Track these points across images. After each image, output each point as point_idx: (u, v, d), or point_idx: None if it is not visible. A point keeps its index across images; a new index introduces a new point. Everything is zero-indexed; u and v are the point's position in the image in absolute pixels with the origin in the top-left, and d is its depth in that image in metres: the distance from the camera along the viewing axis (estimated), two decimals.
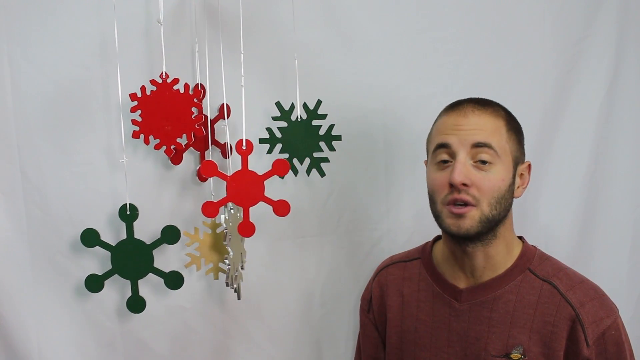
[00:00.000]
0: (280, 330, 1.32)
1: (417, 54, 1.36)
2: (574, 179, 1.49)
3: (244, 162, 1.05)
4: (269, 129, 1.21)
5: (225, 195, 1.05)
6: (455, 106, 1.07)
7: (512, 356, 1.02)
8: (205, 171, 1.04)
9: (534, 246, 1.11)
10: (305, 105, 1.22)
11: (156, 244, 1.14)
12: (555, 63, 1.44)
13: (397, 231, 1.39)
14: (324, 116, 1.23)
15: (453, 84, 1.36)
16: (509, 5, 1.41)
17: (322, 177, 1.26)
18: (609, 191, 1.52)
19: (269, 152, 1.21)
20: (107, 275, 1.13)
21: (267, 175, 1.06)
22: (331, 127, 1.23)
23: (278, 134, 1.22)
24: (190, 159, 1.21)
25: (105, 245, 1.12)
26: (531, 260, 1.07)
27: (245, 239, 1.21)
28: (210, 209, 1.04)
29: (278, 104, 1.21)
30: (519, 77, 1.42)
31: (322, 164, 1.27)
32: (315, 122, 1.23)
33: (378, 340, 1.22)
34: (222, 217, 1.16)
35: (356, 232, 1.37)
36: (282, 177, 1.24)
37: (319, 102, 1.22)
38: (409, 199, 1.39)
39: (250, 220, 1.06)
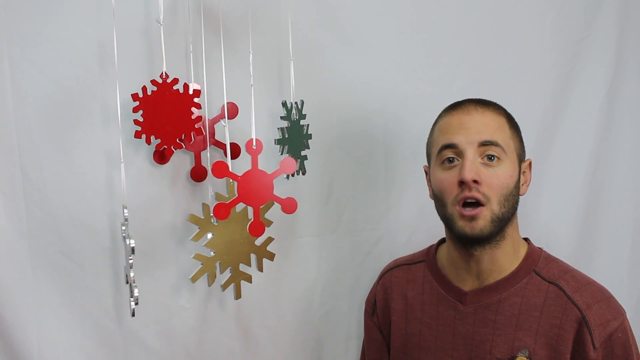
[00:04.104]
0: (280, 330, 1.32)
1: (417, 54, 1.36)
2: (574, 179, 1.49)
3: (254, 161, 1.05)
4: (281, 129, 1.20)
5: (237, 195, 1.05)
6: (456, 106, 1.07)
7: (517, 359, 1.01)
8: (216, 172, 1.03)
9: (540, 248, 1.10)
10: (296, 105, 1.22)
11: None
12: (555, 63, 1.45)
13: (397, 231, 1.39)
14: (303, 116, 1.23)
15: (453, 84, 1.37)
16: (509, 5, 1.41)
17: (303, 175, 1.25)
18: (609, 191, 1.53)
19: (281, 152, 1.21)
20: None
21: (277, 173, 1.06)
22: (307, 126, 1.23)
23: (286, 134, 1.21)
24: (185, 159, 1.20)
25: None
26: (537, 262, 1.06)
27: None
28: (221, 211, 1.03)
29: (284, 104, 1.21)
30: (519, 77, 1.42)
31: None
32: (302, 122, 1.23)
33: (382, 343, 1.22)
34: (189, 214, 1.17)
35: (356, 232, 1.37)
36: (288, 178, 1.25)
37: (302, 102, 1.22)
38: (409, 199, 1.39)
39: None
